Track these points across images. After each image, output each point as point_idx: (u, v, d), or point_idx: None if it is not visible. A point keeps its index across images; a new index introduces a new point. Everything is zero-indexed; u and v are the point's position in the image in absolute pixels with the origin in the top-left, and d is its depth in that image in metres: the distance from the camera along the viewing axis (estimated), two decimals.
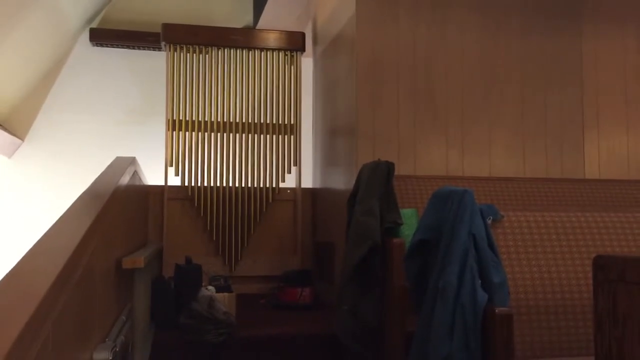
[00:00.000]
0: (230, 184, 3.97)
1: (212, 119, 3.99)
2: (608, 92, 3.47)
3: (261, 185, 4.01)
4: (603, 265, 1.11)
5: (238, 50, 4.06)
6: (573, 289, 1.91)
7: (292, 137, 4.08)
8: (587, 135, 3.42)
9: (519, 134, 3.33)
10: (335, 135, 3.61)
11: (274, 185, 4.03)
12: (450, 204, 1.84)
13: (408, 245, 2.05)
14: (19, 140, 5.61)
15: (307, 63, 4.25)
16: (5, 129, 5.29)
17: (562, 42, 3.43)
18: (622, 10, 3.54)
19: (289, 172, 4.08)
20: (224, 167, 3.98)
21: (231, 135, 4.01)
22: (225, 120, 4.01)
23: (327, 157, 3.77)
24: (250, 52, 4.08)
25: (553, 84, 3.40)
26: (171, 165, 3.90)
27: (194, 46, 3.99)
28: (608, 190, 3.19)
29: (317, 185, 4.06)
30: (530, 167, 3.32)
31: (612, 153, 3.45)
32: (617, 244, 2.00)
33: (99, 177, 2.38)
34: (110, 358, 1.61)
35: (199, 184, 3.92)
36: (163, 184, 3.87)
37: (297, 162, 4.07)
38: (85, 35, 5.85)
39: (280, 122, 4.07)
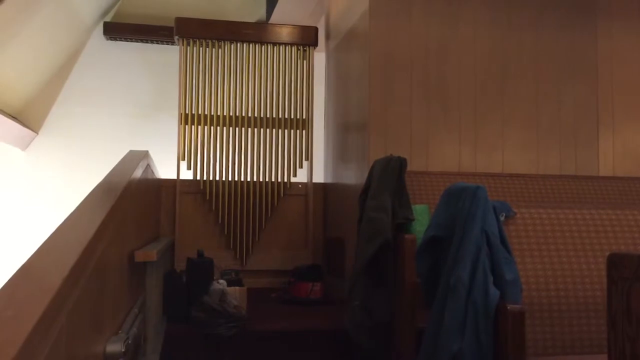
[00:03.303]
0: (242, 178, 3.99)
1: (225, 113, 4.00)
2: (623, 88, 3.43)
3: (273, 180, 4.02)
4: (617, 263, 1.10)
5: (251, 45, 4.06)
6: (586, 286, 1.90)
7: (304, 131, 4.08)
8: (601, 131, 3.38)
9: (533, 130, 3.30)
10: (347, 130, 3.60)
11: (285, 180, 4.03)
12: (462, 200, 1.83)
13: (420, 241, 2.04)
14: (34, 133, 5.66)
15: (319, 58, 4.25)
16: (20, 122, 5.34)
17: (576, 37, 3.39)
18: (637, 4, 3.49)
19: (301, 166, 4.08)
20: (236, 161, 3.99)
21: (243, 129, 4.02)
22: (237, 114, 4.02)
23: (339, 152, 3.77)
24: (263, 47, 4.08)
25: (567, 79, 3.37)
26: (183, 159, 3.92)
27: (207, 40, 3.99)
28: (622, 188, 3.16)
29: (329, 180, 4.06)
30: (544, 163, 3.30)
31: (626, 150, 3.41)
32: (632, 242, 1.98)
33: (112, 170, 2.39)
34: (123, 350, 1.62)
35: (211, 178, 3.94)
36: (175, 177, 3.90)
37: (309, 157, 4.07)
38: (99, 29, 5.89)
39: (292, 116, 4.07)
